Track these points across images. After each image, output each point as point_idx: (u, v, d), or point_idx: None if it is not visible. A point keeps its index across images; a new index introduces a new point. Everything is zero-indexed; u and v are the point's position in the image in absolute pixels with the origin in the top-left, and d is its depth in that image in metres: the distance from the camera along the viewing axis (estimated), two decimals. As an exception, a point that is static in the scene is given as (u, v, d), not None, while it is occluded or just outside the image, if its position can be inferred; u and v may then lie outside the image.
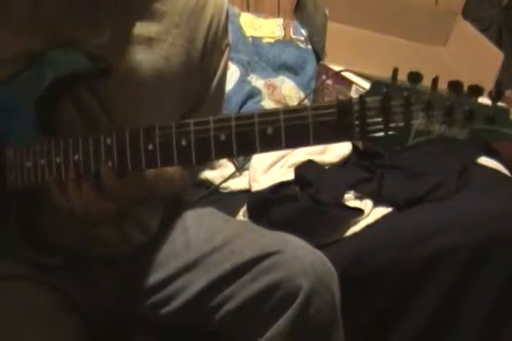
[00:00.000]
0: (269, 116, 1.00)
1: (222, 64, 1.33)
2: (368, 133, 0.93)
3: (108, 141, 1.09)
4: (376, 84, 0.93)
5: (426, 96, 0.90)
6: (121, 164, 1.09)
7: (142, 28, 1.22)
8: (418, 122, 0.90)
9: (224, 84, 1.37)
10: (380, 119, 0.92)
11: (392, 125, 0.92)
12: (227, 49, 1.34)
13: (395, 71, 0.92)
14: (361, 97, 0.93)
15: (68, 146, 1.11)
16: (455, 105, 0.89)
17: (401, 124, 0.91)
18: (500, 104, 0.91)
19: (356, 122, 0.94)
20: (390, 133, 0.92)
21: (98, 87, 1.19)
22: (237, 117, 1.02)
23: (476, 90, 0.89)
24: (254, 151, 1.02)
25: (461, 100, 0.89)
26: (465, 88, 0.90)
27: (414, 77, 0.91)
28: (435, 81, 0.90)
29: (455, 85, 0.89)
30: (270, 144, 1.00)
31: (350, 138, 0.96)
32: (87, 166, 1.10)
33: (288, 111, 0.99)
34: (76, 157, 1.11)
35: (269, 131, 0.99)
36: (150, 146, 1.06)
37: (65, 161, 1.12)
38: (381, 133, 0.93)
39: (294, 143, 1.00)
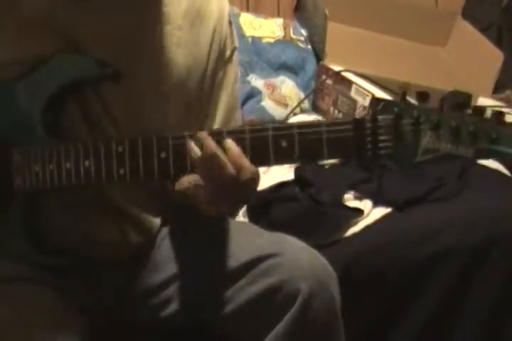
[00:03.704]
0: (283, 130, 1.03)
1: (231, 70, 1.33)
2: (379, 149, 0.99)
3: (120, 148, 1.09)
4: (387, 104, 0.99)
5: (434, 116, 0.94)
6: (133, 172, 1.09)
7: (147, 31, 1.21)
8: (426, 140, 0.95)
9: (236, 89, 1.36)
10: (390, 137, 0.98)
11: (401, 142, 0.97)
12: (236, 53, 1.34)
13: (404, 93, 0.97)
14: (374, 116, 0.99)
15: (79, 152, 1.11)
16: (460, 125, 0.94)
17: (410, 142, 0.96)
18: (500, 103, 0.94)
19: (368, 139, 0.99)
20: (399, 150, 0.98)
21: (104, 92, 1.19)
22: (251, 129, 1.04)
23: (480, 111, 0.94)
24: (267, 163, 1.05)
25: (466, 121, 0.94)
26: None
27: (423, 96, 0.96)
28: (442, 101, 0.95)
29: (461, 105, 0.94)
30: (284, 157, 1.04)
31: (362, 154, 1.01)
32: (98, 172, 1.11)
33: (302, 125, 1.03)
34: (87, 163, 1.11)
35: (284, 144, 1.02)
36: (163, 154, 1.07)
37: (76, 166, 1.12)
38: (391, 150, 0.99)
39: (307, 157, 1.04)
